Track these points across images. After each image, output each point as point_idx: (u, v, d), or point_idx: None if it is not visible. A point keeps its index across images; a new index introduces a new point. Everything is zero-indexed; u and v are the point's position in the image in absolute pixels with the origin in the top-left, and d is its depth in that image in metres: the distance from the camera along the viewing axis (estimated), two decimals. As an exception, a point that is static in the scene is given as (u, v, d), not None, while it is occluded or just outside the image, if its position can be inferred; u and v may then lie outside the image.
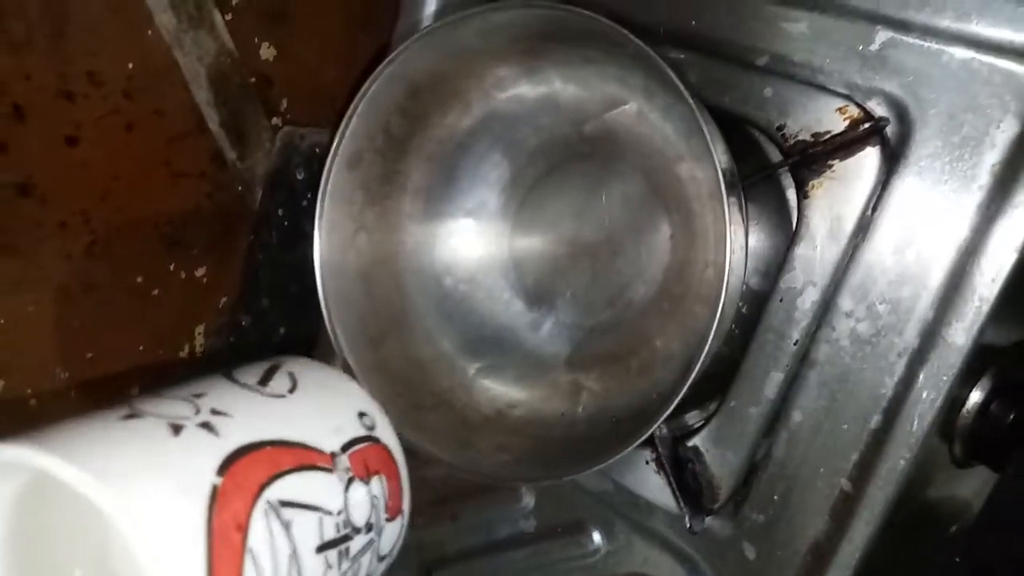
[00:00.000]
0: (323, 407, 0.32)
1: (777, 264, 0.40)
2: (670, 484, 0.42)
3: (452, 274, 0.48)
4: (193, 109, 0.54)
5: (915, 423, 0.37)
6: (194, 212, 0.58)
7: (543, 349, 0.47)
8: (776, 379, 0.40)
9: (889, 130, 0.37)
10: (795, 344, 0.39)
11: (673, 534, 0.44)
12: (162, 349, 0.60)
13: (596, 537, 0.47)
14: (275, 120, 0.60)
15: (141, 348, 0.59)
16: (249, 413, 0.29)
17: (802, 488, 0.40)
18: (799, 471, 0.40)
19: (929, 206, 0.36)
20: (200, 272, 0.61)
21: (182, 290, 0.60)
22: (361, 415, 0.32)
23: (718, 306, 0.31)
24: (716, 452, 0.42)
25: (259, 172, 0.60)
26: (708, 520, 0.42)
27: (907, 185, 0.37)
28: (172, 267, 0.58)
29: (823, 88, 0.38)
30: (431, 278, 0.47)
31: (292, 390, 0.31)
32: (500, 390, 0.46)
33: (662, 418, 0.33)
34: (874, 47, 0.37)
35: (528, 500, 0.49)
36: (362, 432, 0.32)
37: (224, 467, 0.26)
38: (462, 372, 0.46)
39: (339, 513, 0.29)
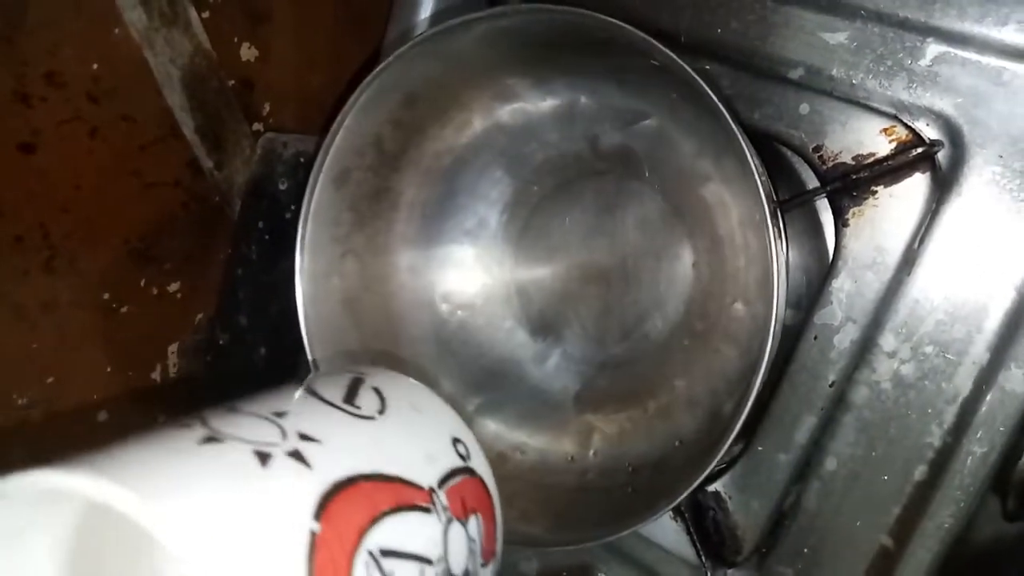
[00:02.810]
0: (416, 432, 0.28)
1: (810, 295, 0.37)
2: (689, 533, 0.39)
3: (449, 300, 0.44)
4: (166, 114, 0.50)
5: (965, 477, 0.34)
6: (167, 224, 0.54)
7: (549, 384, 0.43)
8: (808, 423, 0.36)
9: (940, 155, 0.34)
10: (831, 386, 0.36)
11: (690, 585, 0.40)
12: (132, 370, 0.57)
13: (603, 583, 0.43)
14: (256, 126, 0.56)
15: (109, 370, 0.55)
16: (340, 439, 0.25)
17: (836, 542, 0.36)
18: (833, 523, 0.36)
19: (984, 239, 0.33)
20: (174, 287, 0.57)
21: (154, 307, 0.56)
22: (456, 441, 0.29)
23: (760, 355, 0.27)
24: (740, 499, 0.38)
25: (238, 181, 0.56)
26: (730, 573, 0.39)
27: (959, 215, 0.34)
28: (143, 283, 0.55)
29: (866, 106, 0.35)
30: (425, 305, 0.43)
31: (382, 411, 0.27)
32: (502, 430, 0.42)
33: (695, 484, 0.29)
34: (924, 62, 0.34)
35: (529, 540, 0.45)
36: (458, 463, 0.28)
37: (321, 508, 0.22)
38: (459, 409, 0.42)
39: (439, 561, 0.25)
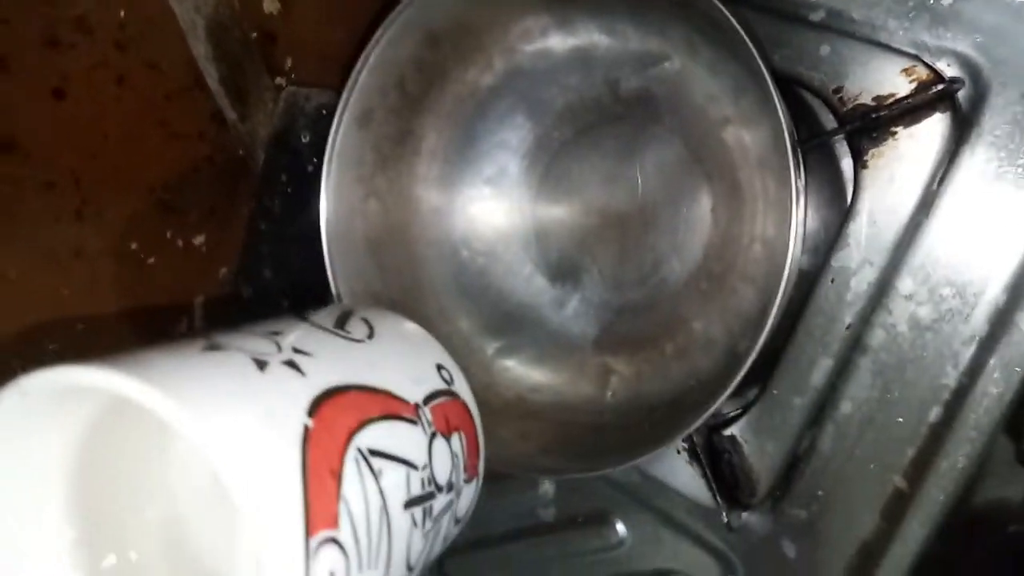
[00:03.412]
0: (403, 356, 0.30)
1: (828, 241, 0.37)
2: (705, 476, 0.40)
3: (469, 246, 0.45)
4: (190, 64, 0.50)
5: (980, 418, 0.34)
6: (192, 175, 0.55)
7: (568, 329, 0.43)
8: (824, 366, 0.37)
9: (960, 94, 0.33)
10: (847, 328, 0.36)
11: (705, 529, 0.41)
12: (159, 322, 0.57)
13: (620, 529, 0.44)
14: (278, 80, 0.56)
15: (136, 320, 0.56)
16: (331, 355, 0.27)
17: (850, 484, 0.37)
18: (847, 466, 0.37)
19: (1004, 181, 0.33)
20: (199, 240, 0.57)
21: (180, 259, 0.56)
22: (439, 367, 0.31)
23: (778, 289, 0.28)
24: (755, 443, 0.39)
25: (261, 134, 0.56)
26: (745, 515, 0.39)
27: (979, 157, 0.33)
28: (169, 234, 0.55)
29: (887, 47, 0.35)
30: (447, 249, 0.44)
31: (370, 336, 0.29)
32: (521, 372, 0.42)
33: (707, 413, 0.30)
34: (946, 1, 0.33)
35: (548, 487, 0.46)
36: (442, 385, 0.30)
37: (314, 408, 0.24)
38: (480, 351, 0.43)
39: (424, 468, 0.27)
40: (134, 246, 0.53)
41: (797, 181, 0.28)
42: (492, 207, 0.44)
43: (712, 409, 0.30)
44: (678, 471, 0.41)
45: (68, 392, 0.23)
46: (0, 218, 0.43)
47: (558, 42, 0.40)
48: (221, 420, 0.21)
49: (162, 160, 0.52)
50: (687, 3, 0.31)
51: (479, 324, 0.43)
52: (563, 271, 0.44)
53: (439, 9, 0.35)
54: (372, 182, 0.41)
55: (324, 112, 0.56)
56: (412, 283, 0.42)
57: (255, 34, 0.53)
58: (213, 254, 0.58)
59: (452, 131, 0.42)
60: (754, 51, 0.29)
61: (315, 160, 0.57)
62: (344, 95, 0.37)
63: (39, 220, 0.46)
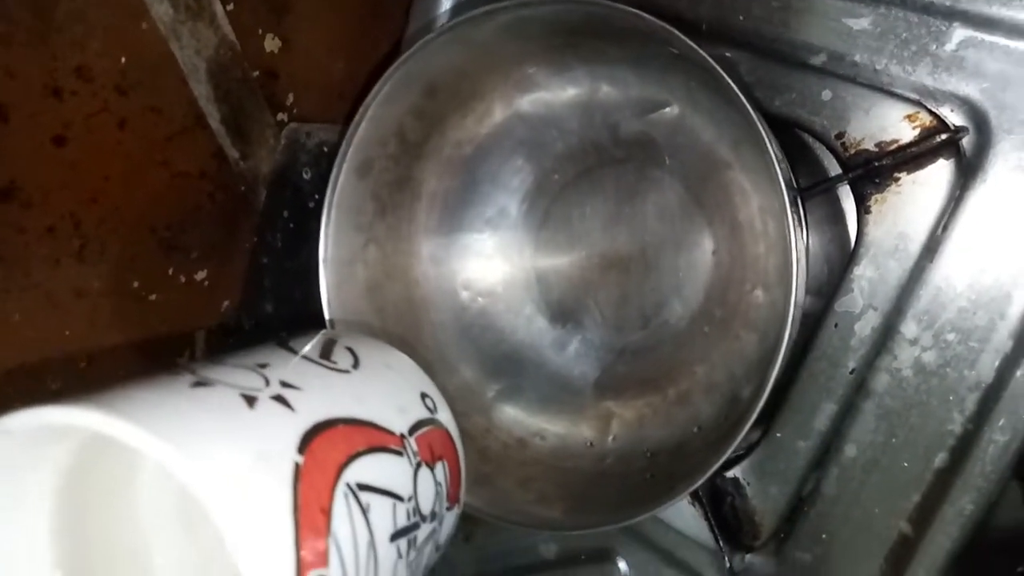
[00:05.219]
0: (388, 386, 0.30)
1: (831, 282, 0.37)
2: (707, 518, 0.39)
3: (469, 288, 0.45)
4: (192, 105, 0.51)
5: (987, 464, 0.34)
6: (193, 213, 0.55)
7: (568, 371, 0.43)
8: (828, 410, 0.37)
9: (965, 141, 0.33)
10: (851, 373, 0.36)
11: (709, 569, 0.41)
12: (161, 356, 0.57)
13: (623, 567, 0.44)
14: (280, 116, 0.56)
15: (138, 356, 0.56)
16: (319, 388, 0.27)
17: (855, 528, 0.37)
18: (851, 510, 0.37)
19: (1009, 226, 0.33)
20: (201, 275, 0.57)
21: (182, 294, 0.56)
22: (423, 396, 0.31)
23: (780, 340, 0.27)
24: (758, 485, 0.39)
25: (263, 171, 0.57)
26: (748, 558, 0.39)
27: (983, 202, 0.33)
28: (171, 271, 0.55)
29: (889, 92, 0.34)
30: (447, 292, 0.44)
31: (355, 366, 0.29)
32: (521, 415, 0.42)
33: (712, 470, 0.30)
34: (950, 46, 0.33)
35: (549, 524, 0.45)
36: (426, 414, 0.30)
37: (304, 444, 0.24)
38: (480, 394, 0.43)
39: (409, 499, 0.27)
40: (136, 284, 0.53)
41: (796, 237, 0.28)
42: (492, 249, 0.44)
43: (717, 466, 0.30)
44: (681, 512, 0.40)
45: (53, 430, 0.23)
46: (4, 264, 0.43)
47: (557, 88, 0.40)
48: (213, 460, 0.21)
49: (164, 199, 0.52)
50: (683, 56, 0.31)
51: (479, 366, 0.43)
52: (564, 312, 0.44)
53: (439, 60, 0.35)
54: (372, 229, 0.41)
55: (325, 149, 0.56)
56: (412, 326, 0.42)
57: (256, 73, 0.54)
58: (215, 288, 0.58)
59: (452, 175, 0.42)
60: (748, 107, 0.29)
61: (316, 196, 0.57)
62: (343, 147, 0.37)
63: (41, 264, 0.46)
